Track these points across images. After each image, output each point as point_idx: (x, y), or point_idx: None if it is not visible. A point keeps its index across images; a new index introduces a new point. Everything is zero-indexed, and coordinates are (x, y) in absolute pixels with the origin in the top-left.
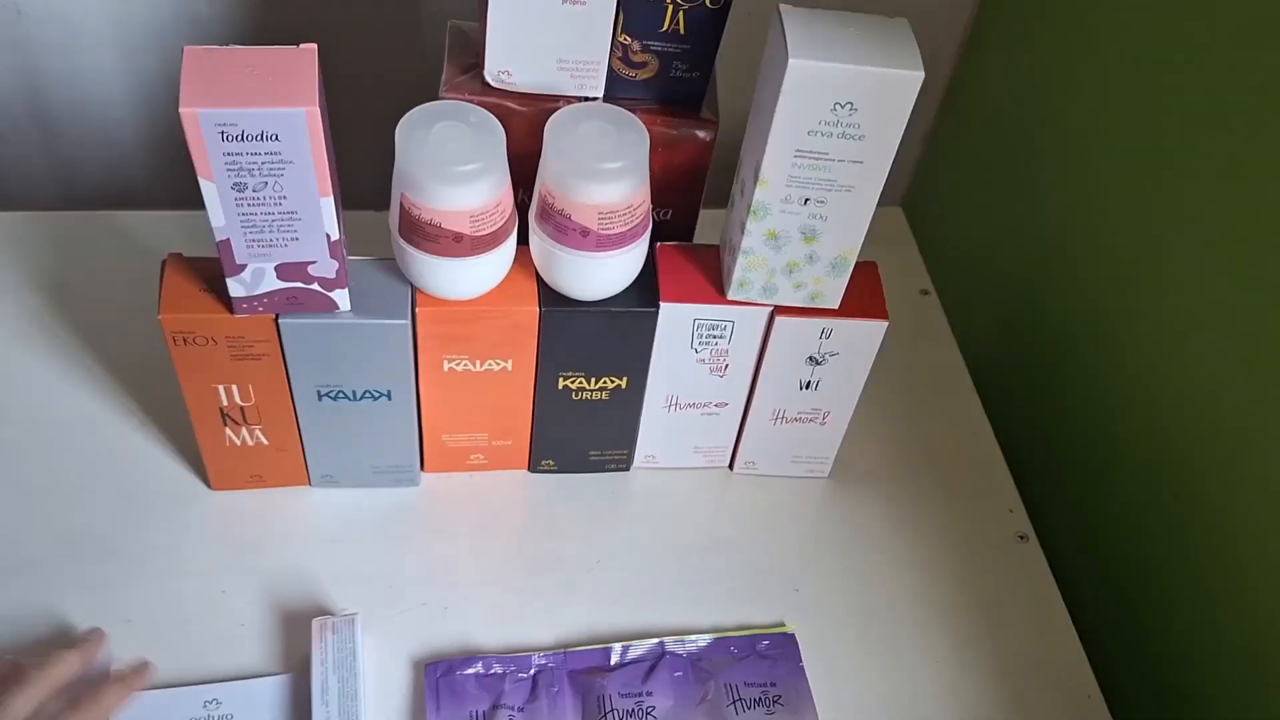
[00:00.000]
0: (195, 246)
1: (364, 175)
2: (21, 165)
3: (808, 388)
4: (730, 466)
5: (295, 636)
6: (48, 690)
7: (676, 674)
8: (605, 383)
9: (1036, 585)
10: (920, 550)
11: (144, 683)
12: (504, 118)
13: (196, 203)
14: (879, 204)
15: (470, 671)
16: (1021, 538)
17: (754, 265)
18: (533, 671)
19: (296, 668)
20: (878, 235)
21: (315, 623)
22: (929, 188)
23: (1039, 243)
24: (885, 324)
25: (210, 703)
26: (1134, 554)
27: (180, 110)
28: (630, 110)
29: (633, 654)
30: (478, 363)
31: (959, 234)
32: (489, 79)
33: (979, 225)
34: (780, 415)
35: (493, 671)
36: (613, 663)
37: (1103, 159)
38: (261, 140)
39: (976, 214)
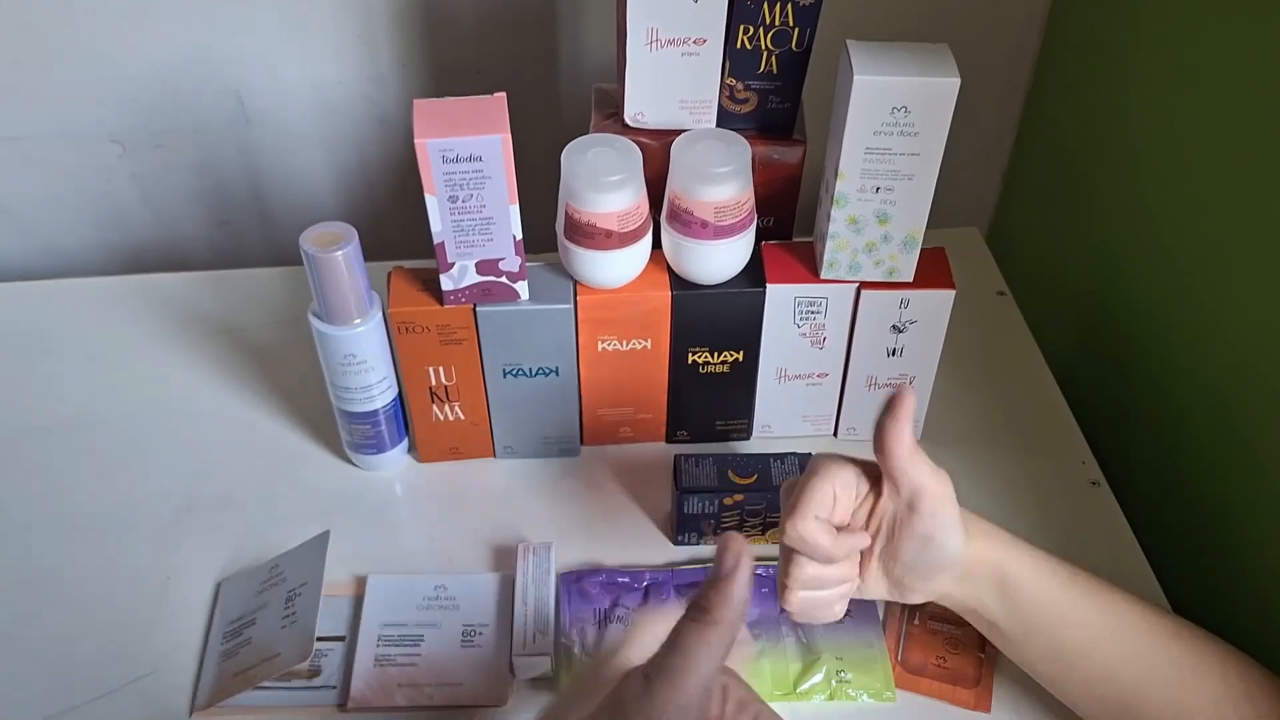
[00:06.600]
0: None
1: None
2: (242, 241)
3: (894, 355)
4: (834, 434)
5: (498, 562)
6: None
7: (763, 590)
8: (725, 356)
9: (1110, 524)
10: (1005, 497)
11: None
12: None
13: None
14: (958, 225)
15: (596, 579)
16: (1094, 483)
17: (840, 247)
18: (645, 583)
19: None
20: (957, 251)
21: (520, 545)
22: (1006, 216)
23: (1099, 258)
24: (953, 292)
25: (439, 587)
26: (1197, 494)
27: (415, 141)
28: None
29: None
30: (624, 342)
31: (1031, 252)
32: (627, 120)
33: (1048, 244)
34: (873, 382)
35: (615, 580)
36: None
37: (1151, 188)
38: (470, 161)
39: (1046, 235)
